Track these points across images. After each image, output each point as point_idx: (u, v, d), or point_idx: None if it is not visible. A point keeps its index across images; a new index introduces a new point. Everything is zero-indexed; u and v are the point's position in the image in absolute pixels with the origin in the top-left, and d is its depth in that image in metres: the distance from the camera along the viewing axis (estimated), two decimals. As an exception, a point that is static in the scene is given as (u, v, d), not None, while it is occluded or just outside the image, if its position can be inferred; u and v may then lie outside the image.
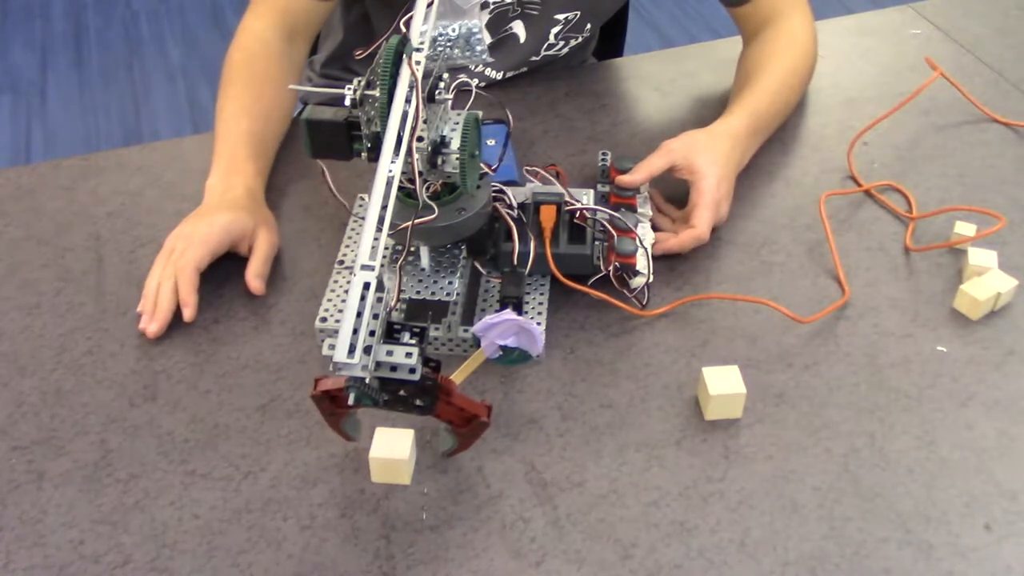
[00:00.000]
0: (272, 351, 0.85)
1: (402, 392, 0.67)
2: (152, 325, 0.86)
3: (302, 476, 0.76)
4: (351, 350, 0.61)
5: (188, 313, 0.87)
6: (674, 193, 0.98)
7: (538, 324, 0.81)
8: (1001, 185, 1.04)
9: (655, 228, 0.94)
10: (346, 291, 0.70)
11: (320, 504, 0.74)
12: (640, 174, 0.94)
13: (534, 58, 1.17)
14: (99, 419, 0.80)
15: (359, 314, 0.63)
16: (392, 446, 0.74)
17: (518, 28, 1.13)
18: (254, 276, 0.90)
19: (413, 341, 0.65)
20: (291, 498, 0.74)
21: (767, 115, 1.05)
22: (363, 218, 0.67)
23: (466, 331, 0.83)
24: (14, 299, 0.91)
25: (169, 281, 0.88)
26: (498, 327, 0.73)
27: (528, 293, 0.87)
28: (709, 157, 0.95)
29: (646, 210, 0.94)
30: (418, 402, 0.68)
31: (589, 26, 1.18)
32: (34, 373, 0.84)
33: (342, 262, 0.90)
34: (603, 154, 1.01)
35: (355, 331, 0.62)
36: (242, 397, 0.82)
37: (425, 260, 0.85)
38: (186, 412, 0.80)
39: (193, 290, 0.88)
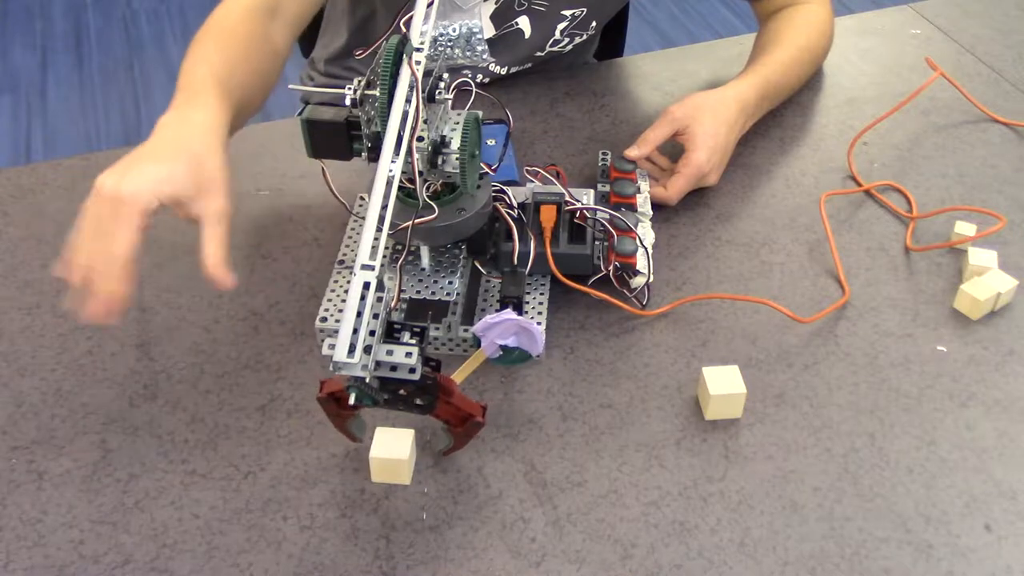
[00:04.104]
0: (272, 351, 0.85)
1: (402, 391, 0.67)
2: (94, 307, 0.70)
3: (302, 476, 0.76)
4: (351, 350, 0.62)
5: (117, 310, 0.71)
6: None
7: (538, 324, 0.81)
8: (1001, 185, 1.04)
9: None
10: (346, 291, 0.70)
11: (320, 504, 0.74)
12: (645, 147, 0.96)
13: (538, 54, 1.17)
14: (99, 419, 0.80)
15: (359, 314, 0.63)
16: (392, 446, 0.74)
17: (523, 23, 1.13)
18: (212, 265, 0.72)
19: (413, 341, 0.65)
20: (291, 498, 0.74)
21: (778, 85, 1.08)
22: (363, 218, 0.67)
23: (466, 331, 0.83)
24: (14, 299, 0.90)
25: (100, 262, 0.71)
26: (498, 327, 0.73)
27: (528, 293, 0.87)
28: (710, 127, 0.97)
29: (646, 209, 0.94)
30: (418, 401, 0.68)
31: (594, 24, 1.18)
32: (34, 373, 0.84)
33: (342, 262, 0.90)
34: (603, 154, 1.01)
35: (355, 331, 0.62)
36: (242, 397, 0.81)
37: (425, 260, 0.85)
38: (186, 412, 0.80)
39: (126, 280, 0.70)
